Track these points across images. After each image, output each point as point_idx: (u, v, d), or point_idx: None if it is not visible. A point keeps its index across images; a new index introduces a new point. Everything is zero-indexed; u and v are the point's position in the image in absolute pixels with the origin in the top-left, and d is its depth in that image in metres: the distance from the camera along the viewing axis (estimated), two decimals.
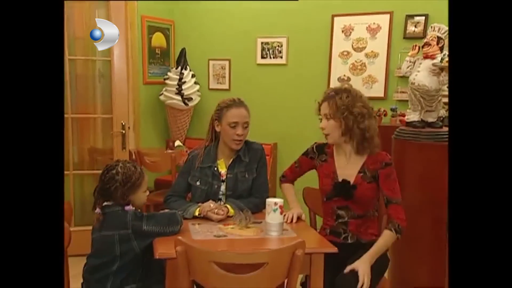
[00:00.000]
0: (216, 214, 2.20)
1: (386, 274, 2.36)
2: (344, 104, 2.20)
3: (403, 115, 4.07)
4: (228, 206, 2.27)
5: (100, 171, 3.90)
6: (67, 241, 1.87)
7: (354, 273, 1.96)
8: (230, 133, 2.34)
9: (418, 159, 2.83)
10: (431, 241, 2.75)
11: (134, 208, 1.99)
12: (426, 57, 2.82)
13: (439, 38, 2.80)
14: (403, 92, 4.16)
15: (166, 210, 2.16)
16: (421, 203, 2.77)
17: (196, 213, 2.22)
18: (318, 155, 2.42)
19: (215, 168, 2.40)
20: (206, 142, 2.48)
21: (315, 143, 2.48)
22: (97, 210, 1.95)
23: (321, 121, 2.30)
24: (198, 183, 2.39)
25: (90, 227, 2.08)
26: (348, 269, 1.98)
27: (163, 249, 1.80)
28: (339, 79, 4.46)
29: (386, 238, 2.14)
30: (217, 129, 2.40)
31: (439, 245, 2.62)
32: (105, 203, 1.97)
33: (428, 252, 2.78)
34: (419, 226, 2.79)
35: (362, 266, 1.99)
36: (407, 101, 4.07)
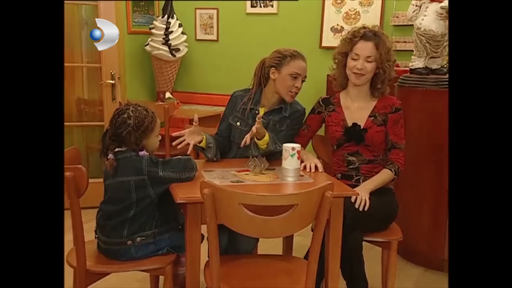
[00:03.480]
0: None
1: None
2: (389, 50, 2.22)
3: (397, 65, 4.04)
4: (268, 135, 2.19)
5: (89, 123, 3.84)
6: (85, 186, 1.78)
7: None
8: (289, 83, 2.24)
9: (422, 106, 2.82)
10: (435, 188, 2.77)
11: (148, 153, 1.90)
12: (433, 0, 2.76)
13: None
14: (397, 41, 4.11)
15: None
16: (426, 150, 2.78)
17: None
18: (326, 107, 2.41)
19: (256, 112, 2.33)
20: (251, 86, 2.39)
21: (320, 98, 2.47)
22: (110, 156, 1.86)
23: (353, 60, 2.24)
24: (238, 123, 2.34)
25: None
26: (353, 198, 2.06)
27: (183, 194, 1.74)
28: (332, 29, 4.37)
29: (384, 175, 2.23)
30: (273, 76, 2.28)
31: (443, 192, 2.65)
32: (117, 149, 1.87)
33: (431, 199, 2.81)
34: (424, 173, 2.81)
35: (359, 190, 2.11)
36: (401, 51, 4.07)
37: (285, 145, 2.02)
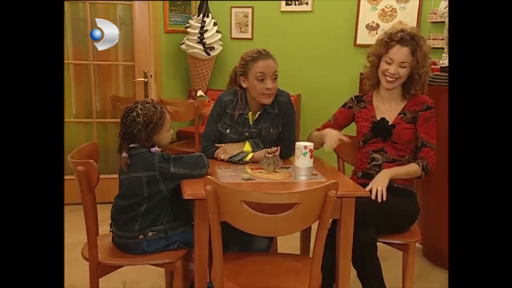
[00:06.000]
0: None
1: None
2: (426, 55, 2.14)
3: (435, 63, 3.90)
4: (247, 143, 2.24)
5: None
6: (96, 180, 1.83)
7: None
8: (259, 87, 2.14)
9: None
10: None
11: (160, 149, 1.94)
12: None
13: None
14: (435, 39, 3.97)
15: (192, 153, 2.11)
16: None
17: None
18: (357, 103, 2.38)
19: (246, 117, 2.27)
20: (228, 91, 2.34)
21: (354, 95, 2.45)
22: (124, 154, 1.90)
23: (386, 63, 2.19)
24: (228, 131, 2.27)
25: (113, 176, 2.08)
26: (369, 187, 2.02)
27: (191, 190, 1.76)
28: (368, 26, 4.28)
29: (411, 167, 2.16)
30: (244, 85, 2.21)
31: None
32: (131, 145, 1.92)
33: None
34: None
35: (378, 177, 2.08)
36: (439, 48, 3.92)
37: (297, 143, 2.00)
